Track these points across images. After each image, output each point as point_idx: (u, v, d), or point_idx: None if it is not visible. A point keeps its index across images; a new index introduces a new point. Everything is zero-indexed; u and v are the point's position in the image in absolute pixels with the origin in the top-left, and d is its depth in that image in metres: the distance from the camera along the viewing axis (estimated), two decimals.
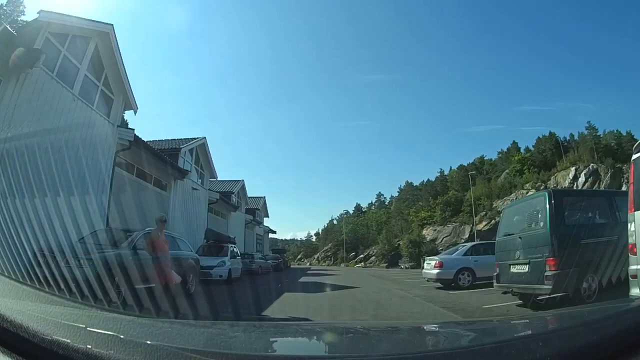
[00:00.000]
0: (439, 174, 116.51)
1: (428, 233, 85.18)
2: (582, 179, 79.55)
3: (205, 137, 32.81)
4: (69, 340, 1.56)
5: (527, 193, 76.57)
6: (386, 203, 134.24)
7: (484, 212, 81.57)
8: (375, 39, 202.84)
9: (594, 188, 73.47)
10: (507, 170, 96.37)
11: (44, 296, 3.73)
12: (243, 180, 47.21)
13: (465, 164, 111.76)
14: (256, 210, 55.78)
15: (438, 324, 4.47)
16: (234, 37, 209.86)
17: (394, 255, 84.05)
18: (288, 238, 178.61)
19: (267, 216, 66.43)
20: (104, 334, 1.79)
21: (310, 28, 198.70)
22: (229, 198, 40.90)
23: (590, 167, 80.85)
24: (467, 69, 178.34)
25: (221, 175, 39.23)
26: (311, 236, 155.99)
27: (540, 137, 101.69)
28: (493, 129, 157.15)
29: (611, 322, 2.03)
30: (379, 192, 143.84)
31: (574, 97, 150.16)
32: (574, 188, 75.16)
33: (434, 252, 73.88)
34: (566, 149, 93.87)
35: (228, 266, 23.05)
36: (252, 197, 56.92)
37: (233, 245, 26.48)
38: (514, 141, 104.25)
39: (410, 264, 72.11)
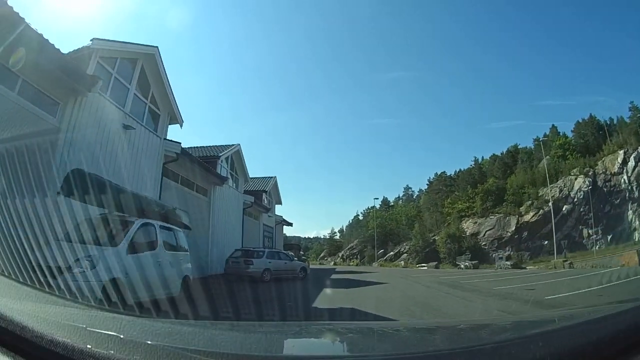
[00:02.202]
0: (472, 163, 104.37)
1: (468, 226, 72.66)
2: (631, 163, 69.31)
3: (157, 47, 18.66)
4: (69, 340, 1.53)
5: (575, 179, 70.79)
6: (414, 197, 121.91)
7: (530, 202, 70.92)
8: (394, 37, 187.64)
9: None
10: (547, 157, 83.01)
11: (45, 296, 3.54)
12: (238, 145, 31.45)
13: (498, 154, 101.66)
14: (263, 193, 39.74)
15: (438, 324, 4.60)
16: (254, 39, 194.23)
17: (428, 252, 70.04)
18: (311, 236, 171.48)
19: (280, 203, 49.38)
20: (104, 334, 1.77)
21: (328, 27, 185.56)
22: (214, 165, 25.85)
23: (638, 149, 70.33)
24: (485, 65, 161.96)
25: None
26: (335, 233, 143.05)
27: (580, 121, 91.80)
28: (513, 124, 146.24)
29: (611, 322, 1.96)
30: (407, 185, 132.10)
31: (594, 91, 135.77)
32: (624, 172, 69.65)
33: (477, 249, 63.52)
34: (609, 132, 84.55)
35: (107, 274, 7.74)
36: (258, 177, 42.05)
37: (162, 225, 11.17)
38: (553, 125, 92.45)
39: (473, 262, 55.98)
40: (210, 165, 24.64)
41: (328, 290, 19.25)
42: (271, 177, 44.24)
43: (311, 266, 52.51)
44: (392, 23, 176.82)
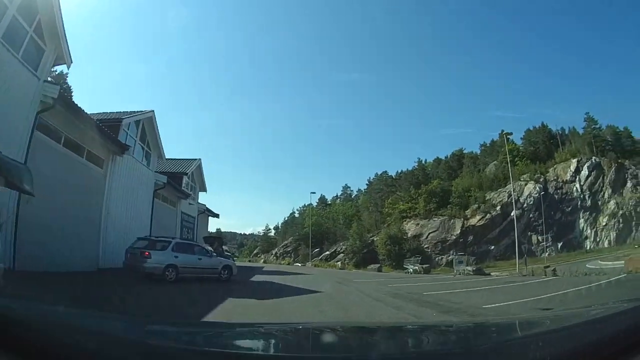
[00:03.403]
0: (416, 164, 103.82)
1: (409, 228, 70.72)
2: (584, 171, 72.69)
3: None
4: (69, 340, 1.55)
5: (525, 185, 72.12)
6: (352, 196, 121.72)
7: (477, 205, 70.58)
8: (359, 37, 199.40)
9: (597, 182, 71.34)
10: (495, 162, 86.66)
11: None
12: (152, 112, 26.45)
13: (442, 157, 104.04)
14: (183, 176, 34.78)
15: (438, 324, 4.95)
16: (212, 27, 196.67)
17: (367, 253, 67.55)
18: (247, 233, 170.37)
19: (205, 190, 43.79)
20: (104, 334, 1.77)
21: (292, 22, 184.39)
22: (115, 131, 21.13)
23: (592, 159, 73.97)
24: (444, 72, 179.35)
25: None
26: (269, 230, 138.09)
27: (531, 129, 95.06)
28: (463, 132, 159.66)
29: (611, 322, 1.96)
30: (346, 184, 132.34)
31: (544, 105, 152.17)
32: (577, 181, 72.38)
33: (420, 251, 60.51)
34: (562, 141, 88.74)
35: None
36: (178, 158, 37.28)
37: None
38: (502, 130, 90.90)
39: (424, 265, 49.16)
40: (110, 131, 20.03)
41: (234, 303, 13.39)
42: (194, 159, 38.97)
43: (237, 264, 47.16)
44: (360, 25, 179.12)
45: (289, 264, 79.66)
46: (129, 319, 3.19)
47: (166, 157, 31.01)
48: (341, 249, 77.03)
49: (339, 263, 69.31)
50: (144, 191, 25.68)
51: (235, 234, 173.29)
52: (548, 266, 34.01)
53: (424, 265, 48.30)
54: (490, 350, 1.86)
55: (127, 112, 24.37)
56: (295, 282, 24.01)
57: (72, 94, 56.35)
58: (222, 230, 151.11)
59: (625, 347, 1.58)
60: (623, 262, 27.67)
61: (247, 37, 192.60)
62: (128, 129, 23.13)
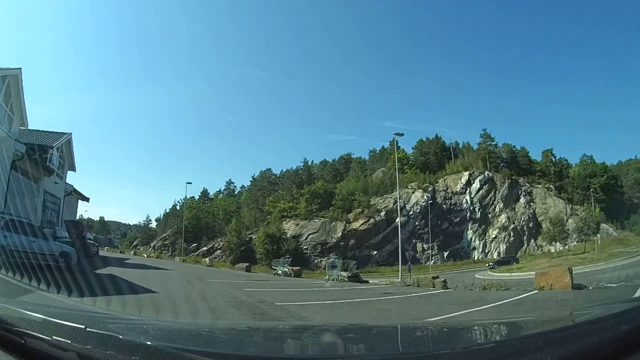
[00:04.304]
0: (302, 164, 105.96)
1: (289, 227, 70.85)
2: (476, 185, 77.37)
3: None
4: (69, 341, 1.58)
5: (412, 192, 74.83)
6: (236, 193, 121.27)
7: (360, 209, 72.21)
8: (253, 33, 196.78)
9: (489, 196, 75.32)
10: (383, 169, 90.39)
11: (45, 296, 4.13)
12: (19, 70, 23.40)
13: (330, 160, 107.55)
14: (50, 149, 31.08)
15: (438, 324, 5.01)
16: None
17: (244, 250, 67.03)
18: (132, 223, 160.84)
19: (74, 170, 39.09)
20: (104, 334, 1.78)
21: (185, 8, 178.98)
22: None
23: (485, 174, 78.63)
24: (335, 79, 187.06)
25: None
26: (150, 221, 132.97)
27: (424, 140, 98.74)
28: (352, 139, 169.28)
29: (611, 322, 1.95)
30: (229, 180, 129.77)
31: (441, 122, 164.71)
32: (467, 193, 76.24)
33: (299, 252, 60.67)
34: (455, 154, 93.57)
35: None
36: (46, 131, 33.71)
37: None
38: (394, 137, 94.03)
39: (294, 267, 42.86)
40: None
41: (31, 299, 9.97)
42: (64, 133, 35.01)
43: (103, 254, 43.34)
44: (254, 22, 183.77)
45: (157, 257, 75.97)
46: (129, 319, 3.21)
47: (32, 128, 28.36)
48: (219, 245, 75.88)
49: (207, 259, 64.35)
50: None
51: (119, 223, 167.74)
52: (437, 276, 28.54)
53: (295, 268, 42.83)
54: (490, 350, 1.88)
55: None
56: (141, 278, 20.95)
57: None
58: (107, 219, 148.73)
59: (625, 347, 1.61)
60: (533, 274, 22.91)
61: (134, 16, 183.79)
62: None
